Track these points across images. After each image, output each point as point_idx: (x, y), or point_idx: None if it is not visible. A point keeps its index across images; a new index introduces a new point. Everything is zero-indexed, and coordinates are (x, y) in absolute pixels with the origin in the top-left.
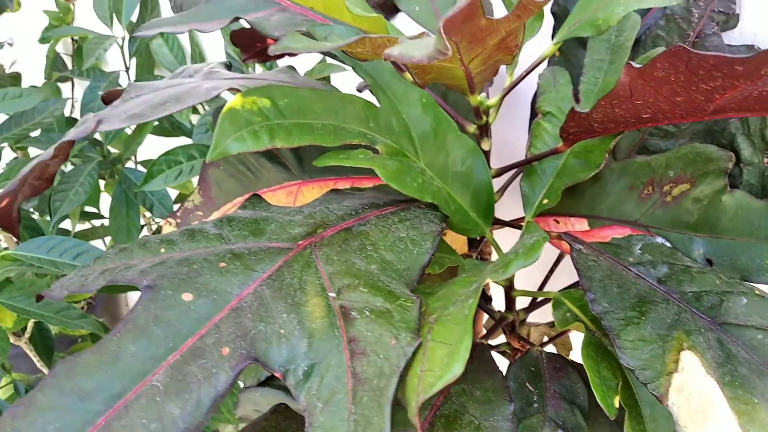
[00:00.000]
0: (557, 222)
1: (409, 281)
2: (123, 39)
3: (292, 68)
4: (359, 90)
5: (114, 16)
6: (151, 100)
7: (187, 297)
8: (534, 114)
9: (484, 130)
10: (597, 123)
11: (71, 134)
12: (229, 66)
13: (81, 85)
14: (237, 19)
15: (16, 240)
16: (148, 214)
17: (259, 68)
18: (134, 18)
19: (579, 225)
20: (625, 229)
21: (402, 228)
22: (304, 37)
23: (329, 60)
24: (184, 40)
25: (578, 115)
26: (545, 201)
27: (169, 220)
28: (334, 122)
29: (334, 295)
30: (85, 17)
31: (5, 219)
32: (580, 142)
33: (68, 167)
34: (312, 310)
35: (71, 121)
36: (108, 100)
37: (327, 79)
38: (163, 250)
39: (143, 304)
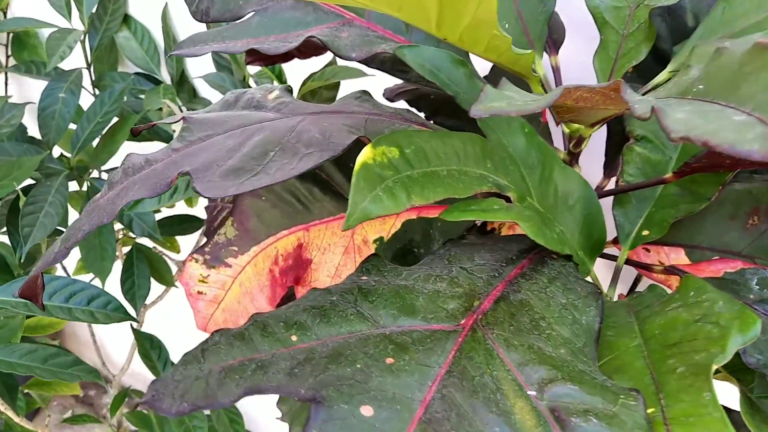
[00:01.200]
0: (647, 251)
1: (594, 362)
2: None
3: (366, 93)
4: (388, 98)
5: (72, 5)
6: (243, 147)
7: (367, 411)
8: (612, 137)
9: (575, 158)
10: (730, 159)
11: (145, 191)
12: (290, 90)
13: (17, 81)
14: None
15: None
16: (118, 225)
17: (251, 69)
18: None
19: (675, 255)
20: (736, 263)
21: (558, 292)
22: (507, 96)
23: (341, 62)
24: (157, 32)
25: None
26: (645, 232)
27: (195, 257)
28: (457, 166)
29: (534, 393)
30: (23, 5)
31: None
32: None
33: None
34: (522, 417)
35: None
36: (137, 132)
37: (337, 86)
38: (294, 338)
39: (318, 427)
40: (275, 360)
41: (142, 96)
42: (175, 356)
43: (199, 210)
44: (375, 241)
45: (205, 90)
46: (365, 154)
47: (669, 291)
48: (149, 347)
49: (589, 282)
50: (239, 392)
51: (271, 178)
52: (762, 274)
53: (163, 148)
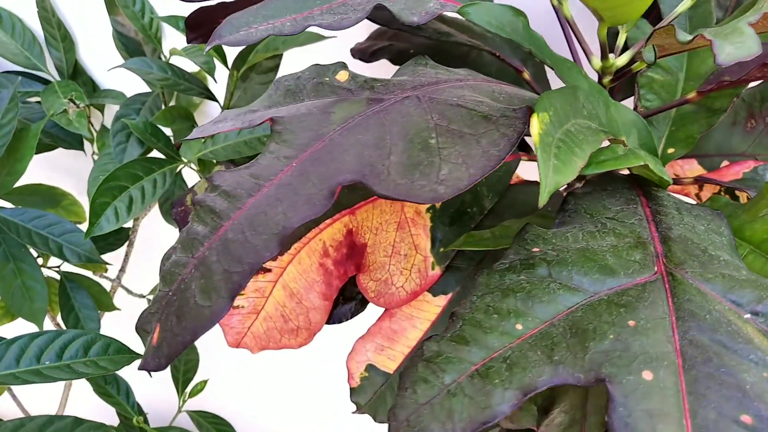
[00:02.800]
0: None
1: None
2: None
3: (425, 57)
4: (362, 58)
5: None
6: (387, 139)
7: (647, 376)
8: None
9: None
10: (749, 79)
11: (306, 211)
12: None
13: None
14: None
15: None
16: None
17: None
18: None
19: (688, 166)
20: (748, 163)
21: (692, 220)
22: (736, 41)
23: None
24: (31, 20)
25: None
26: (670, 150)
27: None
28: (574, 120)
29: (749, 316)
30: None
31: None
32: None
33: None
34: (760, 341)
35: None
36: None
37: (279, 56)
38: (519, 326)
39: (624, 404)
40: (520, 354)
41: (30, 99)
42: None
43: None
44: (428, 210)
45: (105, 82)
46: (537, 125)
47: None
48: (104, 383)
49: (704, 205)
50: (512, 395)
51: (465, 166)
52: None
53: (263, 157)
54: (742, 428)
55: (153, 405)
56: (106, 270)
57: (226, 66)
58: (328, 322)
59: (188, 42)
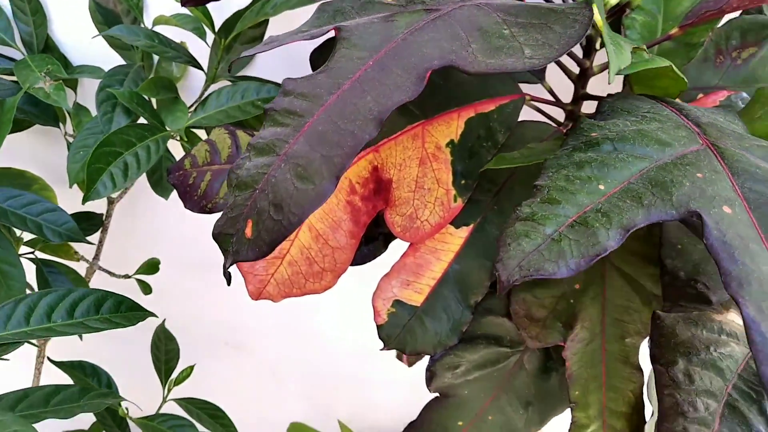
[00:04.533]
0: None
1: None
2: None
3: None
4: None
5: None
6: (462, 34)
7: (727, 210)
8: None
9: None
10: (727, 10)
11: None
12: None
13: None
14: None
15: None
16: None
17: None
18: None
19: None
20: (722, 93)
21: (712, 113)
22: None
23: None
24: None
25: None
26: None
27: None
28: None
29: None
30: None
31: None
32: None
33: None
34: None
35: None
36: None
37: (264, 23)
38: (602, 186)
39: (715, 232)
40: (611, 205)
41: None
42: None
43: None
44: (447, 144)
45: (76, 59)
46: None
47: None
48: (83, 374)
49: (717, 106)
50: (616, 232)
51: (547, 46)
52: (741, 96)
53: (334, 62)
54: None
55: (135, 396)
56: (78, 259)
57: (213, 31)
58: (351, 264)
59: (183, 4)
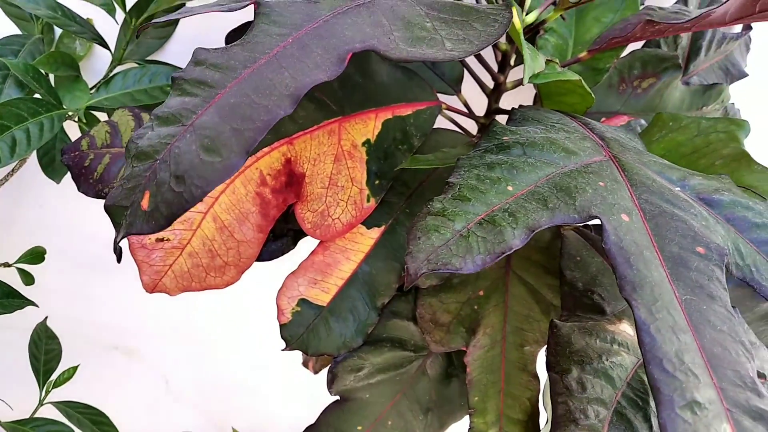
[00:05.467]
0: None
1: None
2: None
3: None
4: None
5: None
6: (384, 22)
7: (625, 218)
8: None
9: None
10: (631, 39)
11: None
12: None
13: None
14: None
15: None
16: None
17: None
18: None
19: None
20: (622, 117)
21: (616, 131)
22: None
23: None
24: None
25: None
26: None
27: None
28: None
29: (679, 189)
30: None
31: None
32: None
33: None
34: (688, 202)
35: None
36: None
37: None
38: (510, 188)
39: (615, 234)
40: (518, 206)
41: None
42: None
43: None
44: (363, 143)
45: None
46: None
47: None
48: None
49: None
50: (521, 232)
51: (467, 42)
52: (639, 123)
53: (251, 36)
54: (698, 256)
55: (10, 400)
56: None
57: (124, 10)
58: (257, 259)
59: None
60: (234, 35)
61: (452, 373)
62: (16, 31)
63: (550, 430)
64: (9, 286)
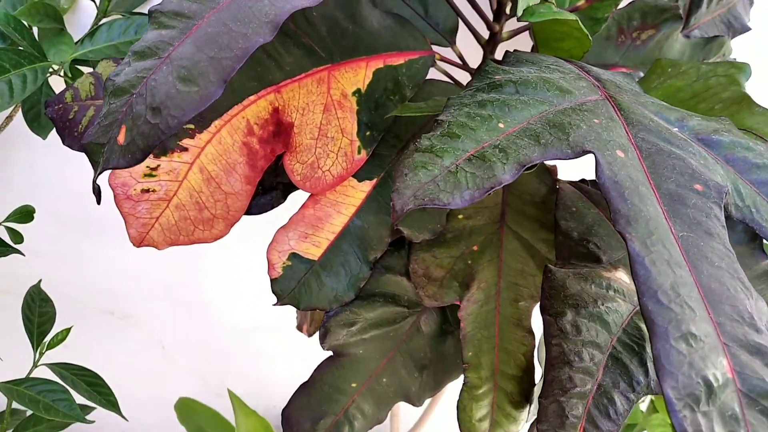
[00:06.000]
0: None
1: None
2: None
3: None
4: None
5: None
6: None
7: (620, 154)
8: None
9: None
10: None
11: None
12: None
13: None
14: None
15: None
16: None
17: None
18: None
19: None
20: (620, 70)
21: (613, 76)
22: None
23: None
24: None
25: None
26: None
27: None
28: None
29: (677, 129)
30: None
31: None
32: None
33: None
34: (686, 142)
35: None
36: None
37: None
38: (501, 125)
39: (609, 168)
40: (509, 142)
41: None
42: None
43: None
44: (354, 93)
45: None
46: None
47: None
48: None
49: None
50: (512, 167)
51: None
52: (638, 75)
53: None
54: (695, 193)
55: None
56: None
57: None
58: (246, 213)
59: None
60: None
61: (447, 330)
62: None
63: (543, 370)
64: None
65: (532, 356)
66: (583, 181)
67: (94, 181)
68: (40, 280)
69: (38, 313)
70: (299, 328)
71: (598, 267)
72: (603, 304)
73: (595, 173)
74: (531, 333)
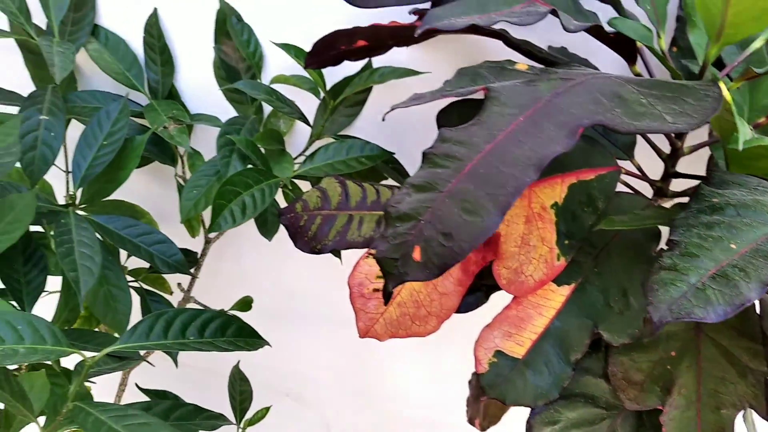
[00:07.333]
0: None
1: None
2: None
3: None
4: None
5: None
6: (603, 98)
7: None
8: None
9: None
10: None
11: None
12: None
13: None
14: None
15: None
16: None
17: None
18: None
19: None
20: None
21: None
22: None
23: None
24: (135, 41)
25: None
26: None
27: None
28: None
29: None
30: None
31: None
32: None
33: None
34: None
35: None
36: None
37: (369, 89)
38: (734, 246)
39: None
40: (745, 262)
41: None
42: None
43: (192, 242)
44: (552, 206)
45: (193, 107)
46: (728, 93)
47: None
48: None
49: None
50: (756, 285)
51: (687, 115)
52: None
53: (485, 117)
54: None
55: None
56: (171, 292)
57: (325, 91)
58: (456, 311)
59: (306, 66)
60: (443, 114)
61: None
62: (233, 112)
63: None
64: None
65: None
66: None
67: (391, 288)
68: (238, 361)
69: (239, 391)
70: (471, 421)
71: None
72: None
73: None
74: None
